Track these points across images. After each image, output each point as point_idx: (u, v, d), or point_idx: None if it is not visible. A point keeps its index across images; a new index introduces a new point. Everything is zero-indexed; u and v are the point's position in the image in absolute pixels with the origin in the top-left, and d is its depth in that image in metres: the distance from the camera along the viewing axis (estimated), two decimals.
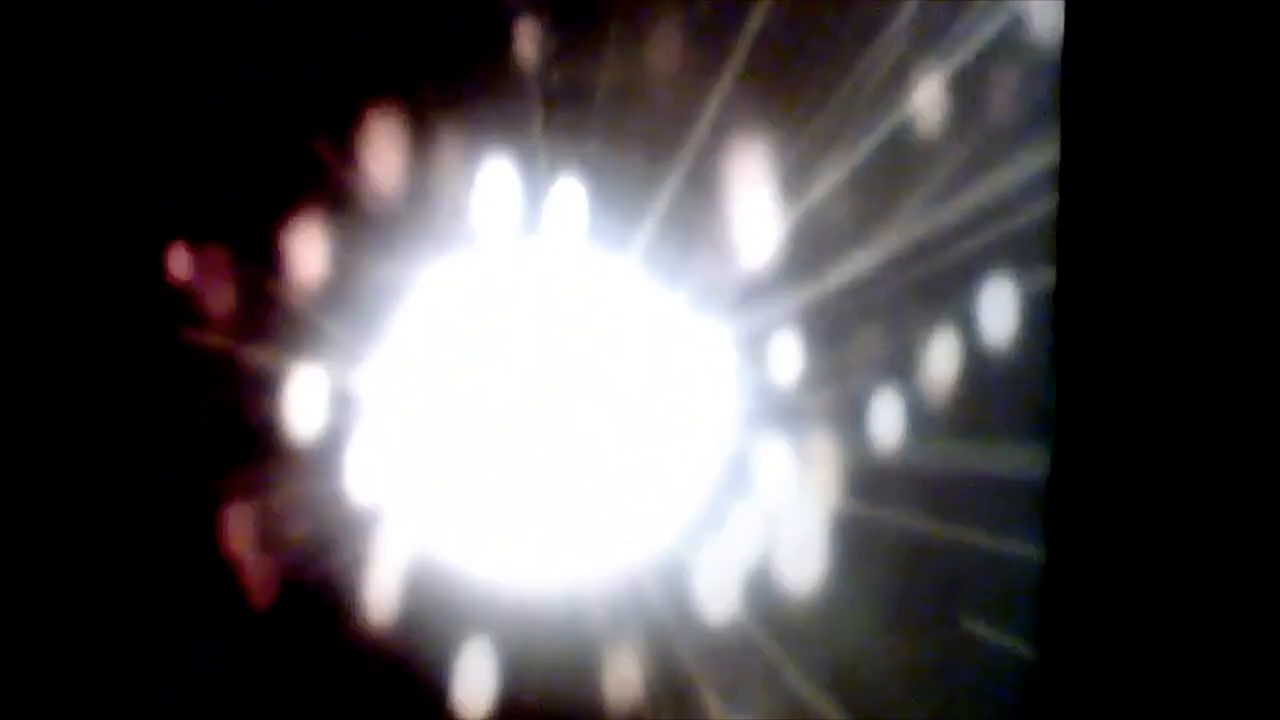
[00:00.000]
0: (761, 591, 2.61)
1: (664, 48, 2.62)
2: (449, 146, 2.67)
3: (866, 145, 2.58)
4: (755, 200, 2.60)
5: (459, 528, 2.67)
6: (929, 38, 2.56)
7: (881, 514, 2.58)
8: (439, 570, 2.67)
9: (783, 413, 2.60)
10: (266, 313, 2.70)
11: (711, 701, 2.62)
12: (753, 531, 2.60)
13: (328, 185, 2.68)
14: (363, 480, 2.68)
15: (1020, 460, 2.55)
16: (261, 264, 2.70)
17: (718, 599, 2.61)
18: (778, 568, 2.61)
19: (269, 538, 2.70)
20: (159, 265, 2.72)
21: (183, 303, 2.71)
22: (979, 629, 2.56)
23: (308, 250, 2.69)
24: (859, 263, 2.59)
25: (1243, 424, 2.45)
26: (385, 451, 2.68)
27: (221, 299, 2.72)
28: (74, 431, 2.70)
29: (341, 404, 2.69)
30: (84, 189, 2.70)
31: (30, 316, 2.70)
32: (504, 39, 2.66)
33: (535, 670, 2.65)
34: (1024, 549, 2.55)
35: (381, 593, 2.68)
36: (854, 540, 2.59)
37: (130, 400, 2.71)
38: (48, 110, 2.70)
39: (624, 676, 2.63)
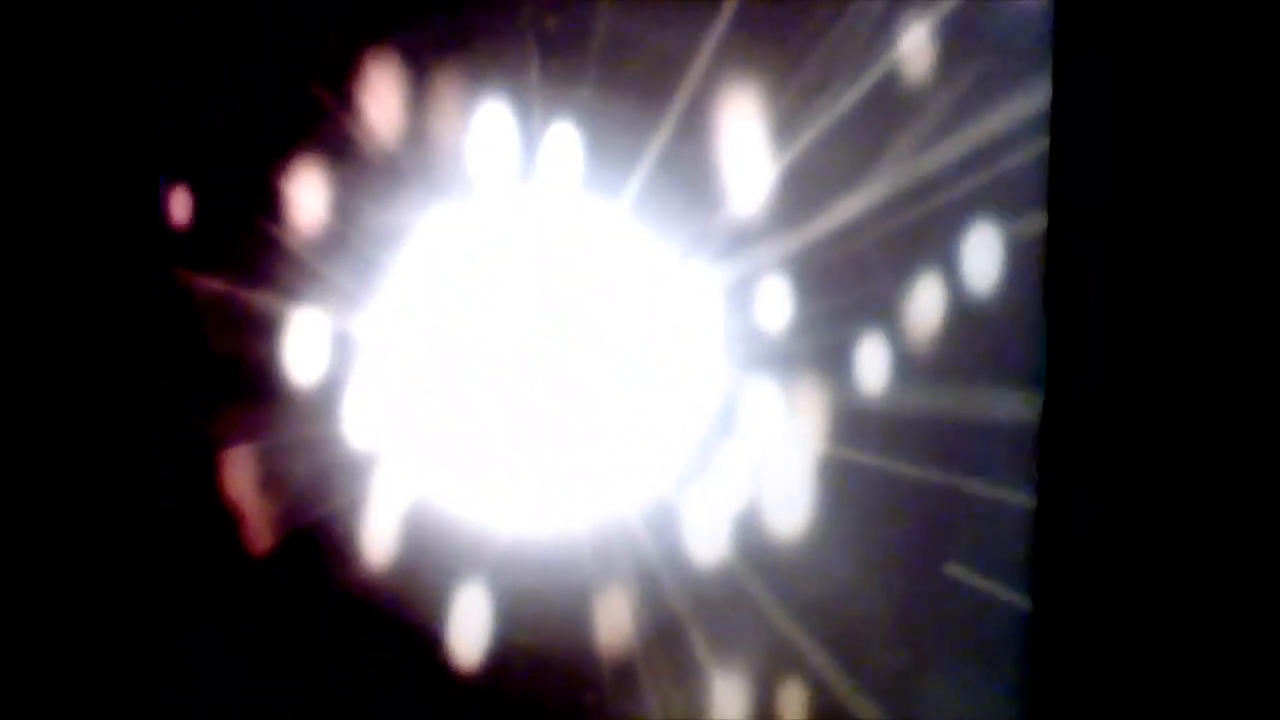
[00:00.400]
0: (750, 536, 2.63)
1: None
2: (445, 92, 2.68)
3: (856, 91, 2.59)
4: (746, 146, 2.62)
5: (452, 473, 2.70)
6: None
7: (869, 459, 2.59)
8: (433, 515, 2.70)
9: (771, 358, 2.62)
10: (264, 257, 2.72)
11: (700, 644, 2.64)
12: (741, 476, 2.62)
13: (325, 130, 2.70)
14: (358, 425, 2.71)
15: (1011, 406, 2.56)
16: (259, 208, 2.72)
17: (706, 543, 2.64)
18: (767, 512, 2.63)
19: (267, 483, 2.73)
20: (157, 208, 2.75)
21: (181, 246, 2.75)
22: (969, 575, 2.57)
23: (305, 195, 2.72)
24: (848, 208, 2.60)
25: (1237, 368, 2.46)
26: (380, 396, 2.71)
27: (219, 243, 2.75)
28: (68, 376, 2.73)
29: (338, 348, 2.72)
30: (81, 133, 2.73)
31: (24, 258, 2.73)
32: None
33: (528, 613, 2.68)
34: (1015, 496, 2.56)
35: (376, 537, 2.70)
36: (842, 485, 2.60)
37: (126, 344, 2.74)
38: (44, 55, 2.72)
39: (615, 619, 2.66)
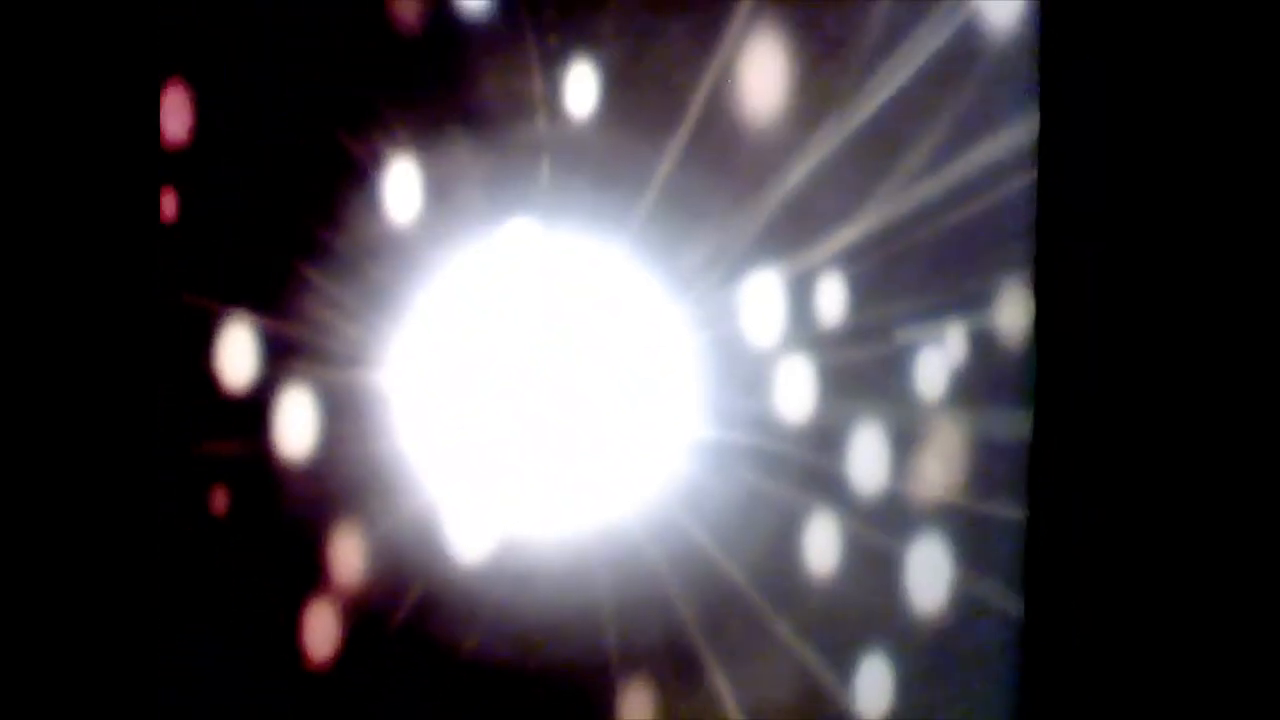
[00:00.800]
0: (752, 550, 2.68)
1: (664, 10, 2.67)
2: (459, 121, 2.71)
3: (858, 119, 2.64)
4: (746, 174, 2.66)
5: (462, 482, 2.74)
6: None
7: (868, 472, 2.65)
8: (441, 525, 2.74)
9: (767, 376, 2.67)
10: (272, 274, 2.75)
11: (708, 653, 2.69)
12: (740, 491, 2.68)
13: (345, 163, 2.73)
14: (370, 434, 2.75)
15: (1004, 424, 2.61)
16: (272, 227, 2.75)
17: (707, 554, 2.68)
18: (768, 525, 2.68)
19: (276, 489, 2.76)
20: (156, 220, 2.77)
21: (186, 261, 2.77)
22: (969, 585, 2.63)
23: (316, 217, 2.75)
24: (848, 233, 2.65)
25: (1225, 382, 2.49)
26: (391, 411, 2.75)
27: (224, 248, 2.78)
28: (69, 373, 2.74)
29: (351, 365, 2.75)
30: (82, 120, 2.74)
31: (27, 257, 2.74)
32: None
33: (541, 620, 2.72)
34: (1009, 506, 2.61)
35: (388, 545, 2.74)
36: (842, 501, 2.66)
37: (131, 355, 2.76)
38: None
39: (624, 626, 2.70)
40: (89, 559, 2.73)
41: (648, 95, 2.65)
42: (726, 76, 2.63)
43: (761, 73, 2.63)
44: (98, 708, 2.73)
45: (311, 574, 2.74)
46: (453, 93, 2.69)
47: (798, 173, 2.63)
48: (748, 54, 2.63)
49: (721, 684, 2.68)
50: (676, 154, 2.65)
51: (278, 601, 2.75)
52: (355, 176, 2.71)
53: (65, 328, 2.73)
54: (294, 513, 2.74)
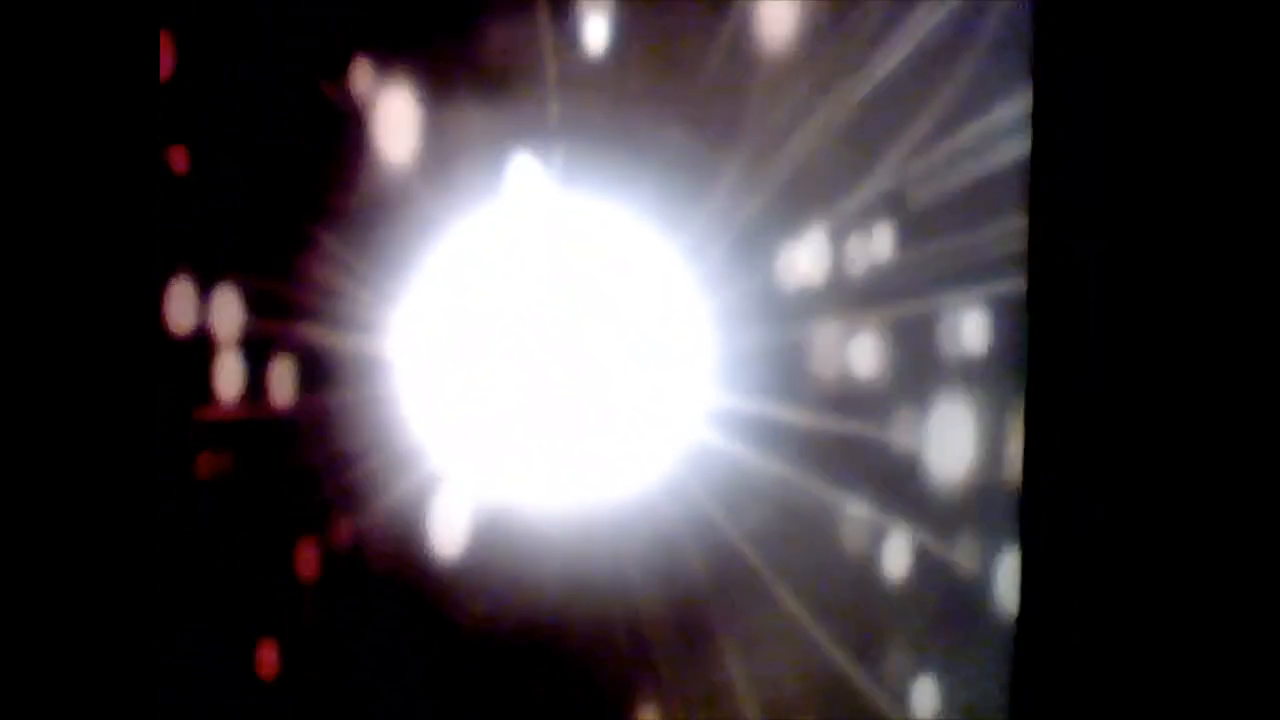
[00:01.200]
0: (758, 513, 2.69)
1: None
2: (460, 107, 2.74)
3: (848, 97, 2.66)
4: (746, 149, 2.68)
5: (474, 453, 2.75)
6: None
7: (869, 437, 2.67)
8: (452, 496, 2.75)
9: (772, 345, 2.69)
10: (289, 251, 2.77)
11: (718, 616, 2.69)
12: (745, 459, 2.69)
13: (346, 139, 2.76)
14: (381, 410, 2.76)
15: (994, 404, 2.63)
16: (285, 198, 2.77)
17: (713, 521, 2.70)
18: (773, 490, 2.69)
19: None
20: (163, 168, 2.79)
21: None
22: (963, 572, 2.64)
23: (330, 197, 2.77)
24: (841, 209, 2.67)
25: (1220, 370, 2.51)
26: (404, 386, 2.76)
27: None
28: (71, 371, 2.76)
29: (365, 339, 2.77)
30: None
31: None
32: None
33: (547, 586, 2.73)
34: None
35: (401, 517, 2.75)
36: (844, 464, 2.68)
37: (139, 335, 2.77)
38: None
39: (634, 592, 2.71)
40: (89, 556, 2.75)
41: (662, 45, 2.68)
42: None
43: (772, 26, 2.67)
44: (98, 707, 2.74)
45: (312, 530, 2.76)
46: (459, 42, 2.72)
47: (813, 131, 2.66)
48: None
49: (731, 658, 2.69)
50: (690, 114, 2.67)
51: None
52: (354, 130, 2.73)
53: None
54: (293, 476, 2.75)
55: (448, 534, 2.74)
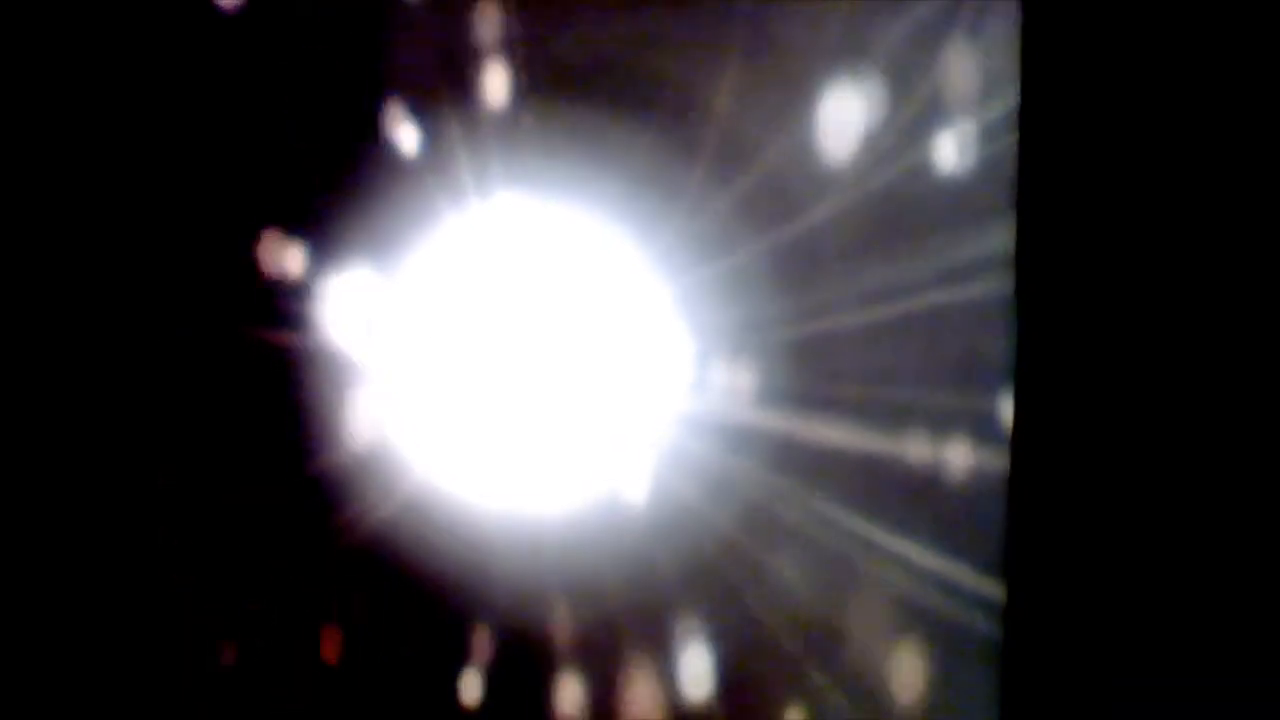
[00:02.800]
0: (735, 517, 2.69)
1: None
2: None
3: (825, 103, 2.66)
4: (716, 155, 2.68)
5: (449, 457, 2.77)
6: None
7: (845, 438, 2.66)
8: (433, 499, 2.77)
9: (740, 348, 2.69)
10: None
11: (690, 620, 2.70)
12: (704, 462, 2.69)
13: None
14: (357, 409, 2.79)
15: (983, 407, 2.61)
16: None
17: (689, 521, 2.70)
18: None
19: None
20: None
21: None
22: (947, 564, 2.62)
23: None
24: (814, 212, 2.67)
25: (1207, 367, 2.49)
26: (379, 388, 2.79)
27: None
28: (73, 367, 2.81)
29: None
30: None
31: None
32: None
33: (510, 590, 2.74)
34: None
35: (380, 523, 2.78)
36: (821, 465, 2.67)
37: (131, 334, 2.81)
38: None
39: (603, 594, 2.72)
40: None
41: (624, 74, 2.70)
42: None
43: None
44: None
45: None
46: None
47: (777, 150, 2.66)
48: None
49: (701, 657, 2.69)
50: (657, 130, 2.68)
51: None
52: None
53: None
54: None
55: (412, 536, 2.76)
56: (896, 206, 2.62)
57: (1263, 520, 2.46)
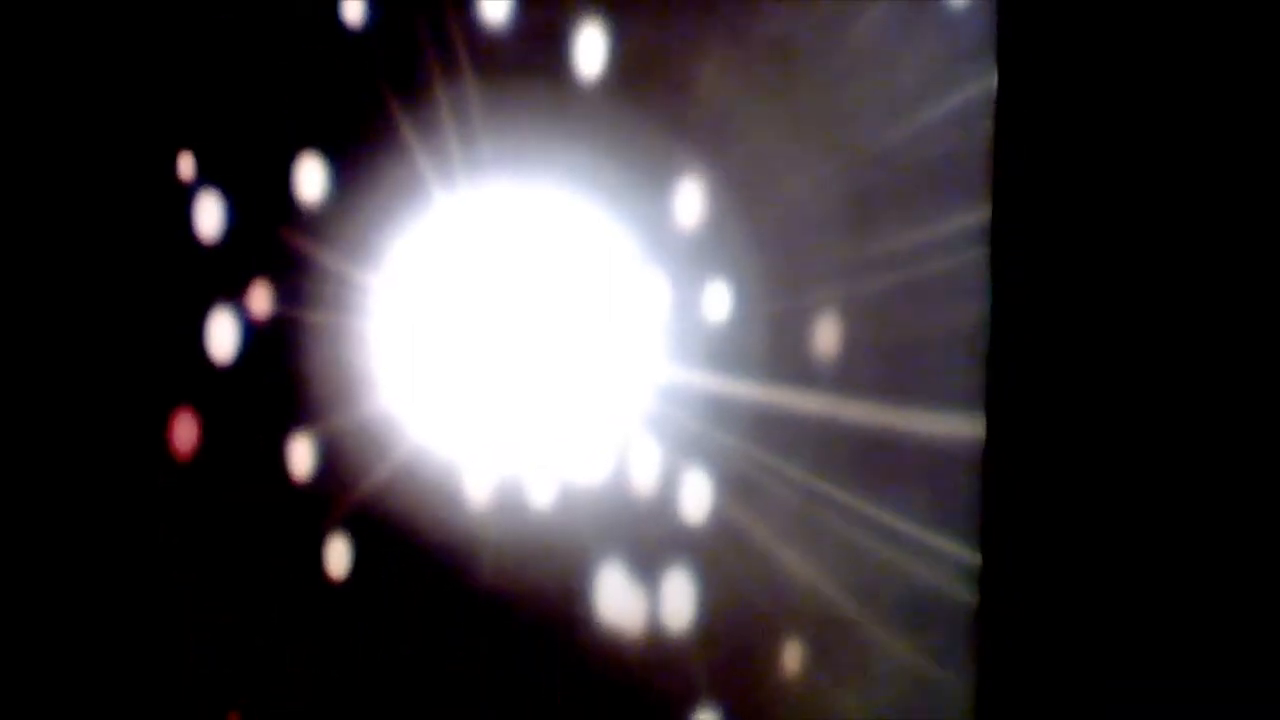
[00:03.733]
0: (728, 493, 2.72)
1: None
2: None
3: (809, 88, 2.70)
4: (696, 142, 2.72)
5: (445, 433, 2.81)
6: None
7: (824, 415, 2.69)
8: (426, 472, 2.81)
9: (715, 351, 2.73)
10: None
11: (687, 598, 2.73)
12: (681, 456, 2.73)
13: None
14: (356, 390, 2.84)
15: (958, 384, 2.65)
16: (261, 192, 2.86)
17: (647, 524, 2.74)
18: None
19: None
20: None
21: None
22: (920, 531, 2.65)
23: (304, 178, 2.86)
24: (795, 203, 2.70)
25: (1185, 358, 2.48)
26: (378, 365, 2.84)
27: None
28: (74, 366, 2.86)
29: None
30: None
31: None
32: None
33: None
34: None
35: (371, 500, 2.82)
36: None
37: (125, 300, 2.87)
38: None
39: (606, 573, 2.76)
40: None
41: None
42: None
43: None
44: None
45: None
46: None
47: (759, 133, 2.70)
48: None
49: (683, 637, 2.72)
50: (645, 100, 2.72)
51: None
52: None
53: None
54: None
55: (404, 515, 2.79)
56: (876, 182, 2.65)
57: (1242, 496, 2.45)
